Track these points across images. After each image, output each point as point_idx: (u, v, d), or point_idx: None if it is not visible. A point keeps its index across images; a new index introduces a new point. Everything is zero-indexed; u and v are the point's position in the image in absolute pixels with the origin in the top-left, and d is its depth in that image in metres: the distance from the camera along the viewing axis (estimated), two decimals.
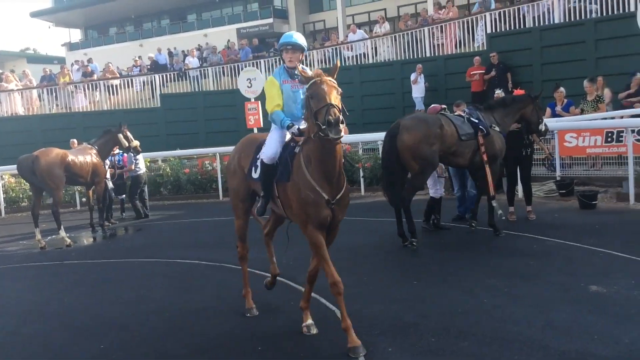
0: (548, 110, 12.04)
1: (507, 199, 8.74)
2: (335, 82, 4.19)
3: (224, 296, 6.02)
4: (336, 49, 19.99)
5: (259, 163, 4.80)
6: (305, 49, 4.80)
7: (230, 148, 14.87)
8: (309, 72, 4.38)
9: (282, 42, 4.80)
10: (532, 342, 4.17)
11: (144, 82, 21.63)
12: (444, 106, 8.16)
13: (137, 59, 24.18)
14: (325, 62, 20.20)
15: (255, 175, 4.87)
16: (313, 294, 5.67)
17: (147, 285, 6.70)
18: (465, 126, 7.48)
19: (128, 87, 21.51)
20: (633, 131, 9.18)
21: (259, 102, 14.36)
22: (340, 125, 3.91)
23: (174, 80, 21.73)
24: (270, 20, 33.07)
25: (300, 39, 4.79)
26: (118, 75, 22.53)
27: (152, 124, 19.85)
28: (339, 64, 4.37)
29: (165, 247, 8.76)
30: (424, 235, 8.00)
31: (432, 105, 8.51)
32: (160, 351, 4.65)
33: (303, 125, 4.57)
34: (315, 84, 4.12)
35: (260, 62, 20.45)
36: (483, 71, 15.63)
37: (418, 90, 16.79)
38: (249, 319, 5.20)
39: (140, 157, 12.01)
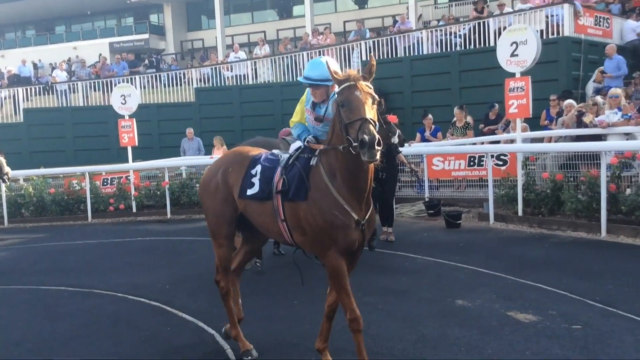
0: (418, 135, 12.77)
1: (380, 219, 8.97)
2: (371, 87, 3.63)
3: (93, 324, 5.66)
4: (216, 68, 19.88)
5: (256, 180, 4.18)
6: (332, 80, 3.73)
7: (103, 167, 14.33)
8: (340, 73, 3.72)
9: (305, 77, 4.04)
10: (405, 356, 4.34)
11: (4, 97, 20.07)
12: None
13: None
14: (204, 82, 20.00)
15: (251, 192, 4.19)
16: (188, 317, 5.54)
17: (7, 314, 6.13)
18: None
19: None
20: (492, 156, 9.96)
21: (134, 119, 13.85)
22: (377, 147, 3.33)
23: (39, 95, 20.38)
24: (146, 35, 32.16)
25: (321, 72, 3.92)
26: None
27: (14, 140, 18.45)
28: (374, 62, 3.71)
29: (27, 273, 8.09)
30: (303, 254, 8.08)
31: (284, 129, 8.67)
32: None
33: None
34: (348, 89, 3.54)
35: (135, 78, 19.77)
36: None
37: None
38: (119, 347, 4.93)
39: None
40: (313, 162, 3.91)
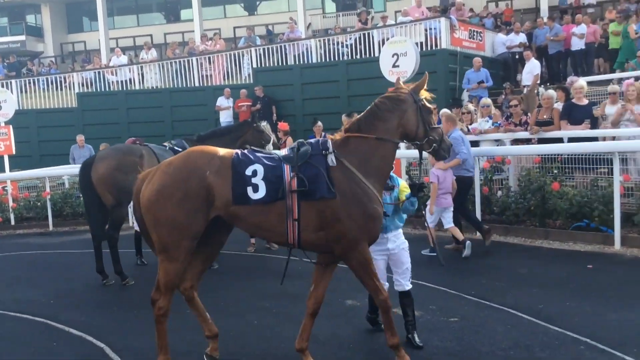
0: None
1: None
2: None
3: None
4: (99, 72, 19.11)
5: (259, 181, 3.97)
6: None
7: None
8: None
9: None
10: (298, 357, 4.50)
11: None
12: (139, 139, 8.33)
13: None
14: (87, 86, 19.17)
15: (257, 195, 3.96)
16: (75, 331, 5.37)
17: None
18: (168, 154, 7.31)
19: None
20: None
21: (11, 126, 13.02)
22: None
23: None
24: (23, 37, 30.25)
25: None
26: None
27: None
28: (427, 77, 4.33)
29: None
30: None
31: (130, 138, 8.65)
32: None
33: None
34: (426, 100, 4.29)
35: (11, 82, 18.58)
36: (250, 103, 16.32)
37: (227, 115, 16.58)
38: None
39: None
40: (331, 160, 4.04)
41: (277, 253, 8.32)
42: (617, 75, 13.42)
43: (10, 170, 13.06)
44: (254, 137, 8.37)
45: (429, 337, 4.76)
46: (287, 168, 4.05)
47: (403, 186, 4.64)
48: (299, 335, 4.39)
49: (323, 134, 12.95)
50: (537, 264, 7.07)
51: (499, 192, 9.24)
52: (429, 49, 14.89)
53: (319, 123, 12.83)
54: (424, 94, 4.29)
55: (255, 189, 3.99)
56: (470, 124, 10.46)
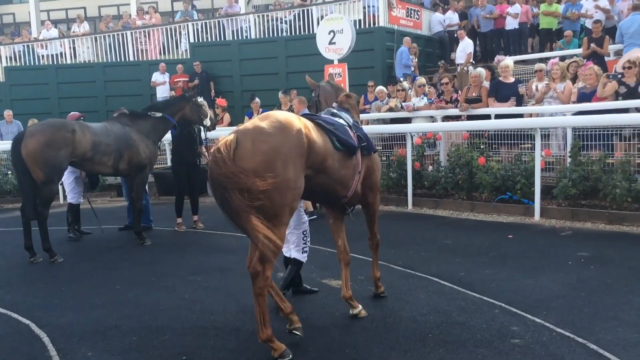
0: (246, 118, 12.99)
1: (175, 209, 8.65)
2: None
3: None
4: (28, 46, 18.32)
5: (341, 134, 4.35)
6: None
7: None
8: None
9: None
10: (226, 327, 4.58)
11: None
12: (83, 115, 8.21)
13: None
14: (16, 60, 18.37)
15: (351, 141, 4.46)
16: (1, 309, 5.27)
17: None
18: (103, 129, 7.50)
19: None
20: None
21: None
22: None
23: None
24: None
25: None
26: None
27: None
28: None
29: None
30: (131, 237, 7.99)
31: (71, 113, 8.51)
32: None
33: None
34: None
35: None
36: (187, 79, 16.05)
37: (164, 91, 16.16)
38: None
39: None
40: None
41: (209, 229, 8.35)
42: (545, 54, 13.93)
43: None
44: (193, 111, 8.29)
45: None
46: (348, 127, 4.61)
47: None
48: (343, 286, 4.78)
49: (260, 110, 12.95)
50: (462, 235, 7.38)
51: (430, 167, 9.52)
52: (367, 26, 15.02)
53: (257, 99, 12.80)
54: None
55: (346, 135, 4.43)
56: (404, 101, 10.68)
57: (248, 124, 4.06)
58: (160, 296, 5.47)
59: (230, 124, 13.01)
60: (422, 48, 15.67)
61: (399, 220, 8.51)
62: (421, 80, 11.25)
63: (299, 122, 4.02)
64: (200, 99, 8.66)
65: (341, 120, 4.63)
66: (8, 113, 13.91)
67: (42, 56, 18.09)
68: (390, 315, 4.70)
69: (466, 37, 14.34)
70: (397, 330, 4.40)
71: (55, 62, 17.97)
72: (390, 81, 12.84)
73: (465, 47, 13.96)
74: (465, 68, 13.16)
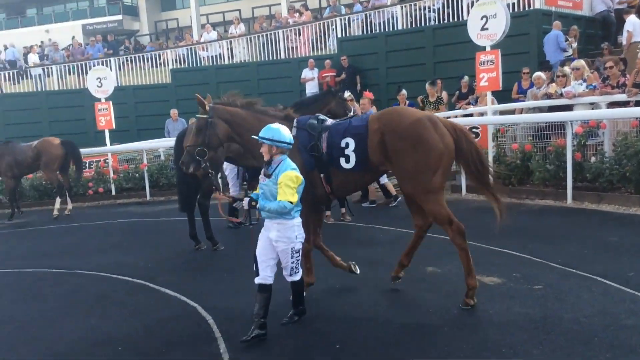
0: None
1: None
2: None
3: (78, 302, 5.84)
4: (191, 49, 19.81)
5: (351, 148, 4.84)
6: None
7: (81, 150, 14.35)
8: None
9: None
10: (377, 318, 4.61)
11: None
12: None
13: None
14: (180, 63, 19.95)
15: (349, 165, 4.88)
16: (171, 292, 5.75)
17: None
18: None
19: None
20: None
21: (110, 102, 13.87)
22: None
23: (12, 79, 20.18)
24: (119, 16, 31.82)
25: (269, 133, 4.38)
26: None
27: None
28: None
29: (9, 257, 8.23)
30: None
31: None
32: None
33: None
34: None
35: (110, 60, 19.66)
36: (334, 73, 16.36)
37: (313, 86, 16.73)
38: (106, 322, 5.13)
39: None
40: None
41: (357, 221, 8.45)
42: None
43: (111, 144, 13.95)
44: (339, 106, 8.44)
45: (511, 304, 4.71)
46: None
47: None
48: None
49: (407, 102, 12.83)
50: (630, 232, 6.74)
51: (593, 158, 8.81)
52: (521, 9, 14.24)
53: (403, 91, 12.69)
54: None
55: (349, 159, 4.90)
56: (564, 87, 9.99)
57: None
58: (312, 286, 5.64)
59: None
60: (583, 30, 14.51)
61: (557, 215, 7.99)
62: (579, 63, 10.40)
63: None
64: (347, 94, 8.76)
65: None
66: (174, 112, 15.18)
67: (203, 58, 19.45)
68: (549, 316, 4.43)
69: (632, 15, 12.98)
70: (558, 332, 4.13)
71: (214, 63, 19.24)
72: (544, 67, 12.08)
73: (632, 27, 12.63)
74: (637, 50, 11.94)
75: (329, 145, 4.92)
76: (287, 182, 4.20)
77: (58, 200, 11.57)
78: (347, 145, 4.84)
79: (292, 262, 4.41)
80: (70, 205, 11.83)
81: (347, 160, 4.84)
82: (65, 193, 11.78)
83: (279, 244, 4.35)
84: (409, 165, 4.66)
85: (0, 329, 5.18)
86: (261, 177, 4.40)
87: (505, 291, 5.01)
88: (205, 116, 5.05)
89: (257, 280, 4.39)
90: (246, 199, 4.42)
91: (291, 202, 4.20)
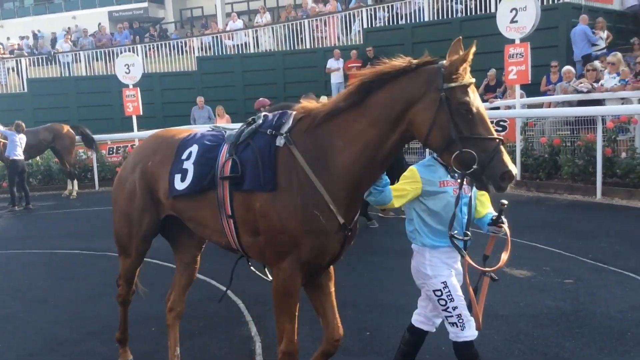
0: None
1: None
2: None
3: (111, 283, 5.94)
4: (216, 37, 19.90)
5: (190, 165, 3.13)
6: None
7: (108, 136, 14.57)
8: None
9: None
10: (406, 307, 4.62)
11: (10, 67, 20.20)
12: (271, 102, 8.55)
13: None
14: (205, 51, 20.05)
15: (182, 185, 3.14)
16: (202, 276, 5.84)
17: (29, 275, 6.46)
18: None
19: None
20: (492, 122, 10.11)
21: (138, 88, 14.01)
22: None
23: (41, 65, 20.47)
24: (145, 4, 31.91)
25: None
26: None
27: (18, 111, 18.58)
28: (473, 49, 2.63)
29: (42, 238, 8.41)
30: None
31: (260, 98, 8.91)
32: (52, 338, 4.59)
33: None
34: (471, 90, 2.62)
35: (137, 47, 19.82)
36: (360, 64, 16.31)
37: (338, 77, 16.70)
38: (142, 302, 5.22)
39: (20, 142, 11.28)
40: (279, 142, 2.84)
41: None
42: None
43: (138, 130, 14.10)
44: None
45: (541, 297, 4.71)
46: (225, 147, 3.06)
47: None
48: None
49: None
50: None
51: (623, 154, 8.71)
52: (550, 2, 14.06)
53: None
54: (464, 78, 2.58)
55: (183, 175, 3.15)
56: (596, 82, 9.87)
57: None
58: (340, 275, 5.67)
59: None
60: (613, 24, 14.28)
61: (587, 210, 7.93)
62: (615, 57, 10.26)
63: (140, 157, 3.60)
64: None
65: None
66: (200, 100, 15.28)
67: (229, 46, 19.52)
68: (581, 310, 4.43)
69: None
70: (591, 326, 4.13)
71: (240, 52, 19.30)
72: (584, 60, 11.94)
73: None
74: None
75: None
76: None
77: (75, 182, 12.71)
78: None
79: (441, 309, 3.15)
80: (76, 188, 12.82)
81: None
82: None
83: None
84: None
85: (37, 307, 5.31)
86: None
87: (535, 284, 5.01)
88: None
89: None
90: None
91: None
